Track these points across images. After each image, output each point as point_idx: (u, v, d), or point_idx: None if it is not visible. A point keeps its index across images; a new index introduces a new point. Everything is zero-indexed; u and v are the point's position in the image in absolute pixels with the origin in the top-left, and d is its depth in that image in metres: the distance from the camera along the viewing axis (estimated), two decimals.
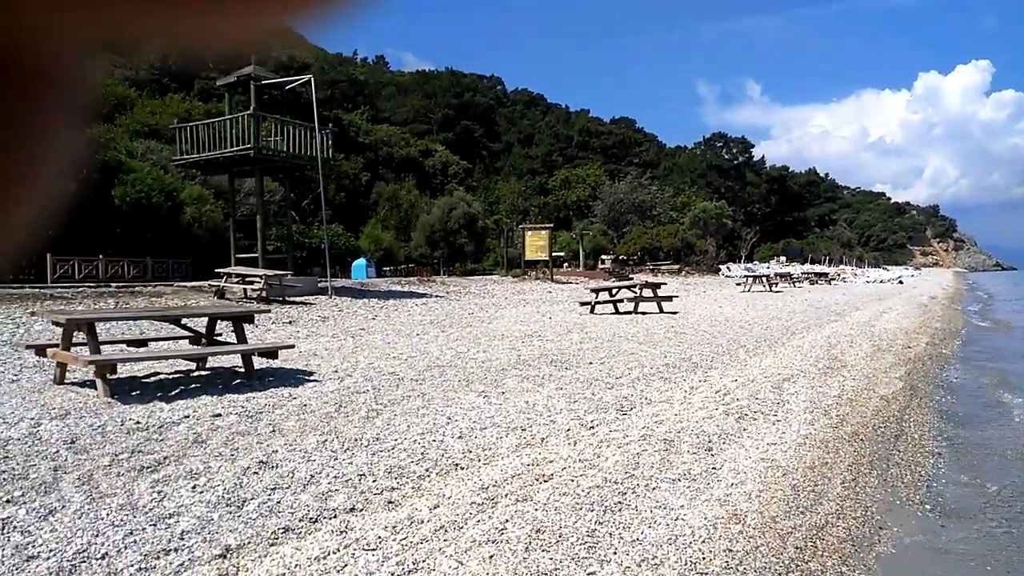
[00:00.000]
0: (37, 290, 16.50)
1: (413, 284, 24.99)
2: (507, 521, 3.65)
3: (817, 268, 53.89)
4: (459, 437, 5.23)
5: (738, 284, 33.04)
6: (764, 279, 31.40)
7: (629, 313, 16.01)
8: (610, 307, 16.65)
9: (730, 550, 3.46)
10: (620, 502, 3.97)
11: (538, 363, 8.64)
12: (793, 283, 36.31)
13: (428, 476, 4.37)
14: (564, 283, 30.85)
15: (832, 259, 70.29)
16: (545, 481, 4.29)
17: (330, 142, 19.88)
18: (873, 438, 5.85)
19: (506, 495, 4.03)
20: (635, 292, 16.94)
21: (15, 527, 3.36)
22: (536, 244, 32.02)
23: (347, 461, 4.56)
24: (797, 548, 3.59)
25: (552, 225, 38.08)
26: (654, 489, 4.21)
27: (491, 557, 3.22)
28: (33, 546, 3.18)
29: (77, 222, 25.05)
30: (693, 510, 3.92)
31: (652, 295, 16.85)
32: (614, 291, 17.07)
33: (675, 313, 16.51)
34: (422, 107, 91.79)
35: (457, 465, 4.60)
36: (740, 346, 10.77)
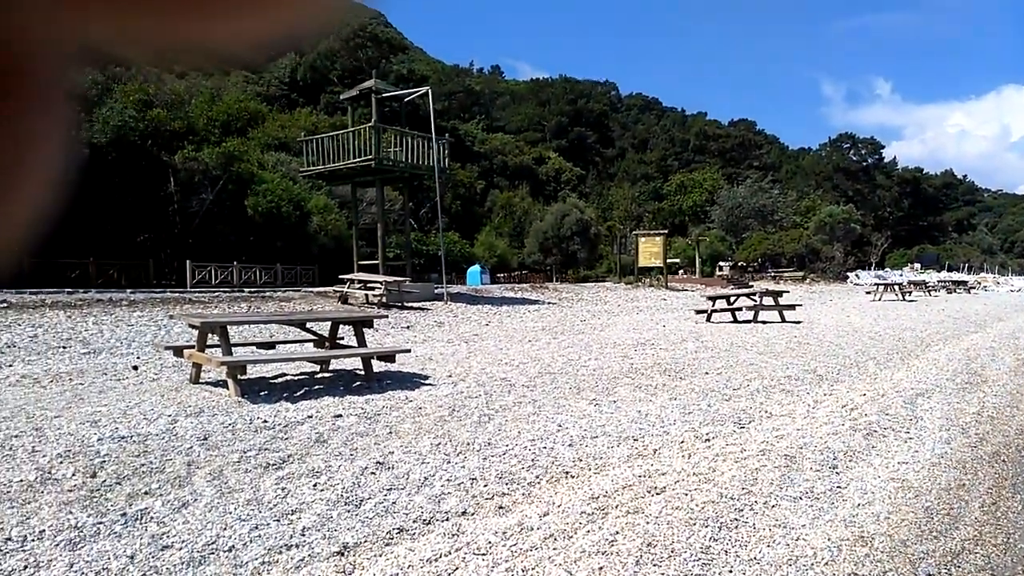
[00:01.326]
0: (178, 294, 17.74)
1: (526, 290, 25.16)
2: (617, 533, 3.59)
3: (955, 276, 50.27)
4: (569, 445, 5.20)
5: (867, 292, 31.31)
6: (896, 287, 29.61)
7: (748, 322, 15.49)
8: (728, 316, 16.17)
9: (855, 574, 3.27)
10: (737, 519, 3.84)
11: (651, 372, 8.49)
12: (928, 291, 34.03)
13: (538, 483, 4.37)
14: (679, 290, 30.25)
15: (971, 266, 65.46)
16: (657, 494, 4.20)
17: (447, 152, 20.34)
18: (1017, 459, 5.39)
19: (617, 506, 3.98)
20: (755, 300, 16.37)
21: (152, 518, 3.60)
22: (650, 250, 31.54)
23: (459, 465, 4.63)
24: None
25: (667, 231, 37.47)
26: (773, 507, 4.04)
27: (600, 569, 3.18)
28: (167, 536, 3.39)
29: (214, 230, 26.79)
30: (815, 530, 3.73)
31: (773, 303, 16.23)
32: (732, 299, 16.57)
33: (798, 323, 15.84)
34: (536, 115, 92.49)
35: (567, 473, 4.58)
36: (869, 358, 10.19)
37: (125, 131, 23.75)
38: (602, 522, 3.74)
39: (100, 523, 3.46)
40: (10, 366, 8.27)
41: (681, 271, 43.73)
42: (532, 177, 68.95)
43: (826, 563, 3.35)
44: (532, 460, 4.80)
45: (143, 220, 25.84)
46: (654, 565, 3.25)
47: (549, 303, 21.30)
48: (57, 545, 3.22)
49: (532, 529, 3.63)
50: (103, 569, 3.02)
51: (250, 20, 0.26)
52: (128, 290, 17.89)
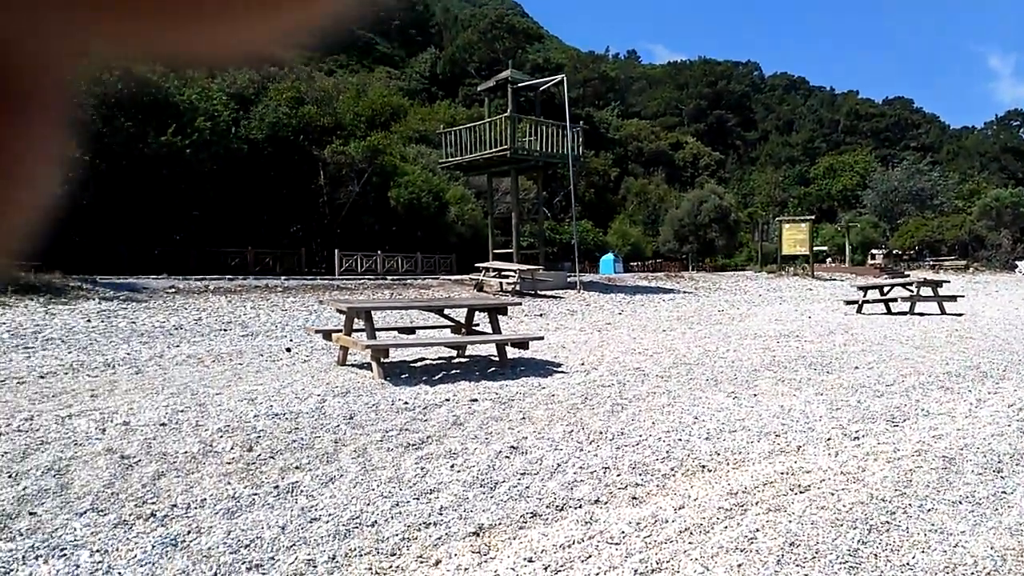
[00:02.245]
0: (326, 281, 18.73)
1: (660, 280, 24.71)
2: (757, 530, 3.45)
3: None
4: (706, 438, 5.06)
5: None
6: None
7: (904, 314, 14.48)
8: (880, 307, 15.17)
9: None
10: (888, 522, 3.59)
11: (795, 365, 8.11)
12: None
13: (673, 475, 4.27)
14: (826, 280, 28.70)
15: None
16: (801, 492, 4.00)
17: (581, 140, 20.27)
18: None
19: (757, 503, 3.82)
20: (911, 290, 15.26)
21: (302, 491, 3.81)
22: (795, 238, 30.07)
23: (592, 453, 4.61)
24: None
25: (813, 217, 35.56)
26: (929, 511, 3.75)
27: (739, 566, 3.07)
28: (315, 509, 3.58)
29: (359, 221, 28.06)
30: (976, 538, 3.43)
31: (932, 294, 15.07)
32: (886, 289, 15.53)
33: (960, 315, 14.63)
34: (673, 99, 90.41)
35: (704, 467, 4.45)
36: None
37: (279, 127, 25.26)
38: (741, 518, 3.61)
39: (255, 494, 3.71)
40: (177, 346, 9.02)
41: (828, 259, 41.47)
42: (668, 163, 67.53)
43: (988, 573, 3.08)
44: (666, 452, 4.70)
45: (295, 211, 27.45)
46: (796, 565, 3.10)
47: (685, 292, 20.81)
48: (217, 513, 3.47)
49: (666, 521, 3.55)
50: (257, 538, 3.23)
51: (255, 25, 0.25)
52: (282, 277, 19.09)
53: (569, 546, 3.23)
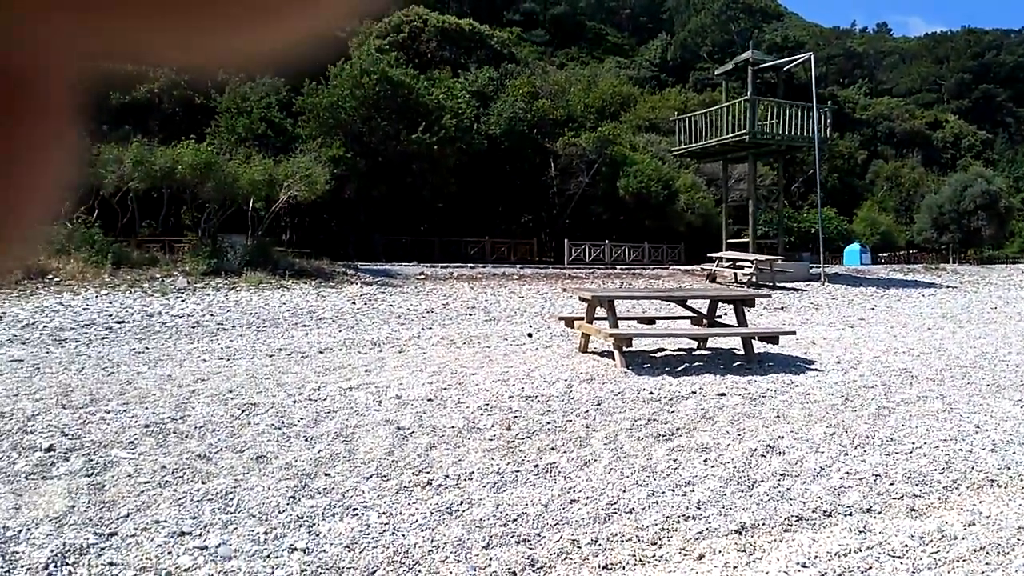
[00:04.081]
0: (558, 270, 19.20)
1: (917, 272, 22.42)
2: None
3: None
4: (992, 450, 4.51)
5: None
6: None
7: None
8: None
9: None
10: None
11: None
12: None
13: (956, 488, 3.86)
14: None
15: None
16: None
17: (829, 121, 18.91)
18: None
19: None
20: None
21: (559, 472, 3.93)
22: None
23: (858, 458, 4.29)
24: None
25: None
26: None
27: None
28: (574, 491, 3.68)
29: (587, 211, 28.42)
30: None
31: None
32: None
33: None
34: (930, 74, 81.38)
35: (993, 481, 3.97)
36: None
37: (515, 122, 26.25)
38: None
39: (517, 471, 3.89)
40: (430, 328, 9.71)
41: None
42: (924, 144, 61.00)
43: None
44: (946, 462, 4.25)
45: (527, 202, 28.42)
46: None
47: (948, 287, 18.71)
48: (484, 486, 3.68)
49: (956, 538, 3.22)
50: (523, 513, 3.38)
51: (267, 28, 0.24)
52: (517, 265, 19.87)
53: (845, 555, 3.04)
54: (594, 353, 7.48)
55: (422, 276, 16.04)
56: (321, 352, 7.55)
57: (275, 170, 15.98)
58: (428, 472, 3.83)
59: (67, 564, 2.73)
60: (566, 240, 24.83)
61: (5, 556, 2.76)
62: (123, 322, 9.21)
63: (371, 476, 3.76)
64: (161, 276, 13.00)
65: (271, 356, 7.22)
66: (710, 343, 7.93)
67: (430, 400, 5.23)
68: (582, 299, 7.49)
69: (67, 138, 0.26)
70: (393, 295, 13.15)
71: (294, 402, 5.10)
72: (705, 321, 7.82)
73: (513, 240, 26.31)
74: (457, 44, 34.08)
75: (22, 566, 2.70)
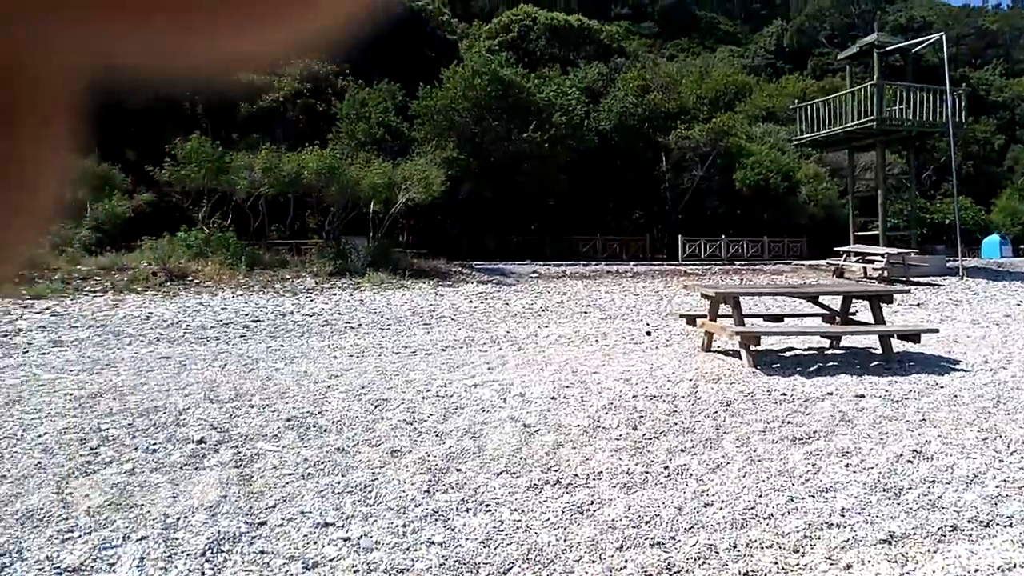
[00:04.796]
0: (672, 267, 18.86)
1: None
2: None
3: None
4: None
5: None
6: None
7: None
8: None
9: None
10: None
11: None
12: None
13: None
14: None
15: None
16: None
17: (963, 105, 17.66)
18: None
19: None
20: None
21: (691, 474, 3.85)
22: None
23: (1015, 465, 3.99)
24: None
25: None
26: None
27: None
28: (707, 494, 3.58)
29: (701, 205, 27.75)
30: None
31: None
32: None
33: None
34: None
35: None
36: None
37: (626, 116, 25.96)
38: None
39: (647, 472, 3.83)
40: (546, 327, 9.74)
41: None
42: None
43: None
44: None
45: (638, 198, 28.04)
46: None
47: None
48: (614, 486, 3.65)
49: None
50: (655, 515, 3.32)
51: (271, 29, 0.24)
52: (631, 263, 19.64)
53: (1010, 569, 2.82)
54: (718, 352, 7.29)
55: (535, 275, 16.13)
56: (443, 350, 7.71)
57: (394, 173, 16.48)
58: (556, 470, 3.84)
59: (222, 551, 2.90)
60: (679, 236, 24.32)
61: (167, 542, 2.96)
62: (258, 321, 9.74)
63: (501, 472, 3.80)
64: (291, 277, 13.67)
65: (397, 353, 7.44)
66: (844, 342, 7.56)
67: (553, 398, 5.24)
68: (705, 296, 7.31)
69: (64, 144, 0.26)
70: (508, 293, 13.28)
71: (423, 398, 5.23)
72: (838, 319, 7.46)
73: (624, 237, 26.02)
74: (566, 41, 34.03)
75: (182, 551, 2.88)
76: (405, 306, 11.43)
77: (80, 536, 2.96)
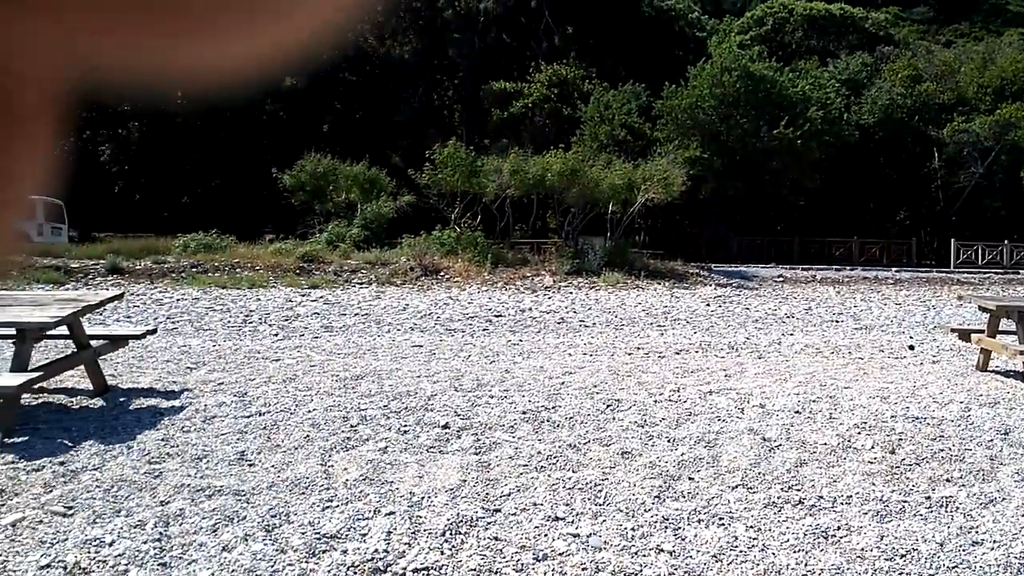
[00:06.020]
0: (943, 275, 16.89)
1: None
2: None
3: None
4: None
5: None
6: None
7: None
8: None
9: None
10: None
11: None
12: None
13: None
14: None
15: None
16: None
17: None
18: None
19: None
20: None
21: (957, 508, 3.40)
22: None
23: None
24: None
25: None
26: None
27: None
28: (976, 532, 3.15)
29: (980, 206, 24.54)
30: None
31: None
32: None
33: None
34: None
35: None
36: None
37: (892, 109, 23.73)
38: None
39: (904, 501, 3.45)
40: (791, 335, 9.15)
41: None
42: None
43: None
44: None
45: (903, 198, 25.47)
46: None
47: None
48: (865, 513, 3.33)
49: None
50: (912, 549, 2.98)
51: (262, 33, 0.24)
52: (892, 269, 17.90)
53: None
54: (995, 372, 6.39)
55: (780, 278, 15.26)
56: (677, 353, 7.55)
57: (633, 174, 16.45)
58: (799, 489, 3.58)
59: (460, 533, 3.05)
60: (952, 240, 21.73)
61: (412, 519, 3.17)
62: (500, 316, 10.21)
63: (736, 486, 3.63)
64: (531, 275, 14.18)
65: (630, 354, 7.41)
66: None
67: (797, 412, 4.90)
68: (983, 308, 6.44)
69: (42, 142, 0.26)
70: (749, 298, 12.69)
71: (655, 401, 5.15)
72: None
73: (886, 240, 23.75)
74: (825, 31, 31.76)
75: (424, 530, 3.08)
76: (639, 307, 11.35)
77: (338, 506, 3.28)
